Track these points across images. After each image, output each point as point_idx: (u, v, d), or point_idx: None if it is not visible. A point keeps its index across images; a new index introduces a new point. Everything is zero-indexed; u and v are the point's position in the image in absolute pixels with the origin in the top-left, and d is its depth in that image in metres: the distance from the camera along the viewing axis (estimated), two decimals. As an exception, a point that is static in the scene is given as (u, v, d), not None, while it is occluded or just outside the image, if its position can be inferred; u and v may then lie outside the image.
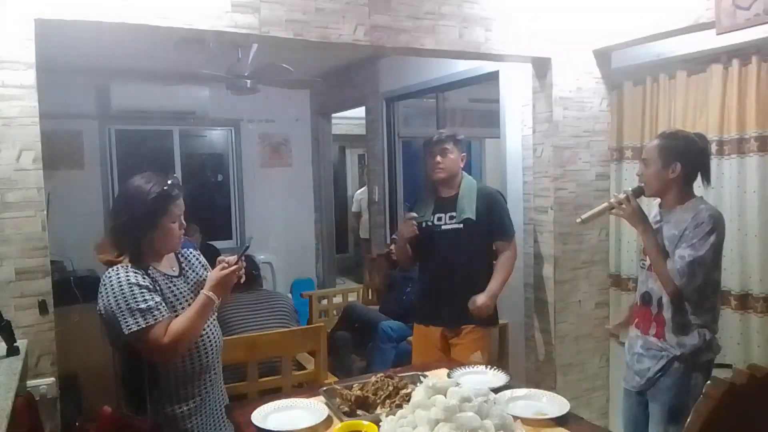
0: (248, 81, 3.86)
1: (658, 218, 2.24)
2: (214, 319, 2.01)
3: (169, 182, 1.88)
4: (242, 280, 1.95)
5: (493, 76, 3.66)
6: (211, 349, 1.96)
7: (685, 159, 2.13)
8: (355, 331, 3.95)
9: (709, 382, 1.32)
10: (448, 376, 2.14)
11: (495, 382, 2.11)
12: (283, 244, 6.07)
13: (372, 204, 5.32)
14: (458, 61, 3.92)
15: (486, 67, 3.67)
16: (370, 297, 4.94)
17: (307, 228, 6.38)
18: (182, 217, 1.93)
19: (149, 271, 1.85)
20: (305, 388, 2.66)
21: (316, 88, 6.15)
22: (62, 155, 5.26)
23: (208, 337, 1.95)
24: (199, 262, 2.09)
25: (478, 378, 2.16)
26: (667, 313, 2.15)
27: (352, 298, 5.00)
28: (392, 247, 4.19)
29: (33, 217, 1.99)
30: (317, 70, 5.76)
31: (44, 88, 4.97)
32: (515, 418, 1.68)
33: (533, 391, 2.02)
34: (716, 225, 2.06)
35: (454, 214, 2.81)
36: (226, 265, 1.89)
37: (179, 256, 2.02)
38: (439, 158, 2.81)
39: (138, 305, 1.76)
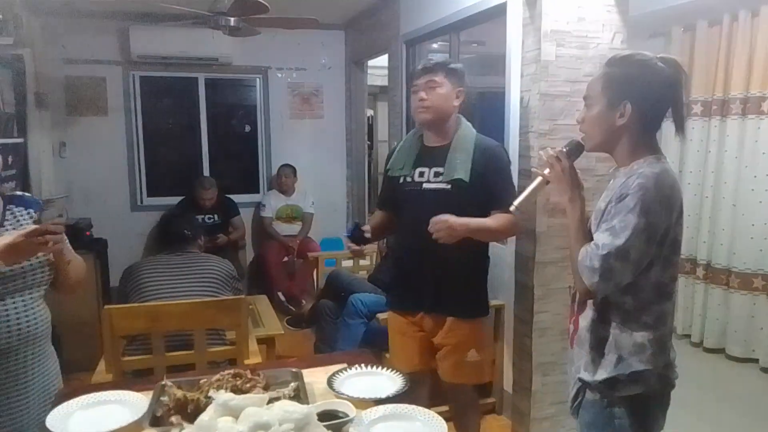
0: (231, 19, 3.47)
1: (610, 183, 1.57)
2: (30, 297, 1.65)
3: None
4: (51, 246, 1.55)
5: (500, 11, 3.02)
6: (12, 333, 1.59)
7: (641, 95, 1.43)
8: (341, 300, 3.58)
9: None
10: (330, 379, 1.71)
11: (385, 389, 1.67)
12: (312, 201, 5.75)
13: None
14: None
15: (492, -1, 3.04)
16: (382, 262, 4.55)
17: (338, 184, 6.02)
18: None
19: None
20: (223, 366, 2.36)
21: (351, 33, 5.70)
22: (86, 101, 5.23)
23: (8, 316, 1.59)
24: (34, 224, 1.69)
25: (367, 382, 1.72)
26: (584, 319, 1.53)
27: (365, 262, 4.64)
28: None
29: None
30: (349, 11, 5.29)
31: (68, 34, 4.94)
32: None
33: (411, 408, 1.54)
34: (646, 200, 1.36)
35: (441, 170, 2.17)
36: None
37: (6, 212, 1.68)
38: (423, 93, 2.16)
39: None
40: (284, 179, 5.48)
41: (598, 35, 2.37)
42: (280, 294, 5.17)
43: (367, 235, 2.24)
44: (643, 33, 3.93)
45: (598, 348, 1.49)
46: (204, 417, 1.27)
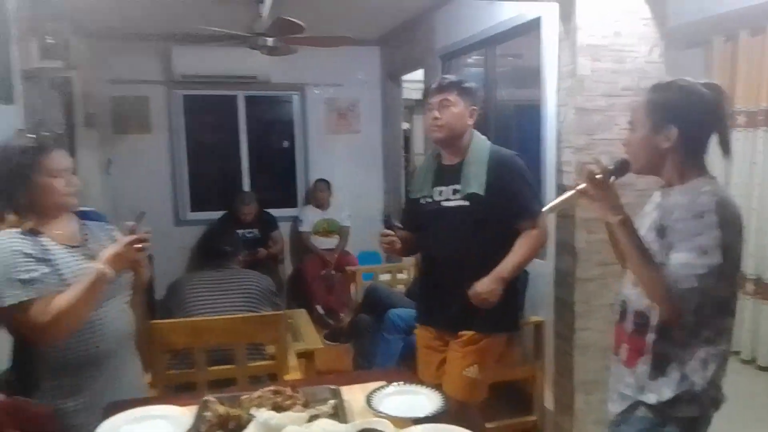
0: (268, 39, 3.56)
1: (658, 200, 1.58)
2: (122, 301, 1.81)
3: (46, 134, 1.76)
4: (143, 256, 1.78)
5: (535, 25, 3.02)
6: (111, 336, 1.74)
7: (686, 120, 1.46)
8: (379, 315, 3.59)
9: None
10: (368, 397, 1.73)
11: (423, 409, 1.67)
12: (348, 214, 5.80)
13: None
14: (504, 9, 3.33)
15: (527, 14, 3.04)
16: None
17: (375, 198, 6.06)
18: (68, 175, 1.72)
19: (40, 239, 1.66)
20: (263, 380, 2.39)
21: (386, 48, 5.75)
22: (131, 120, 5.41)
23: (108, 320, 1.73)
24: (109, 237, 1.85)
25: (405, 400, 1.73)
26: (648, 336, 1.50)
27: (402, 276, 4.65)
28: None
29: None
30: (385, 27, 5.35)
31: (114, 56, 5.13)
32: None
33: (450, 429, 1.54)
34: (726, 217, 1.38)
35: (457, 187, 2.19)
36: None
37: (83, 227, 1.81)
38: (436, 112, 2.18)
39: (19, 276, 1.57)
40: (319, 194, 5.54)
41: (635, 49, 2.34)
42: (318, 307, 5.22)
43: (399, 225, 2.31)
44: (682, 44, 3.86)
45: (660, 367, 1.49)
46: (246, 435, 1.30)
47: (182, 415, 1.63)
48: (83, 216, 1.85)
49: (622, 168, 1.56)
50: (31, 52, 3.56)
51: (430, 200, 2.27)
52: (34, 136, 1.77)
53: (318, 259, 5.39)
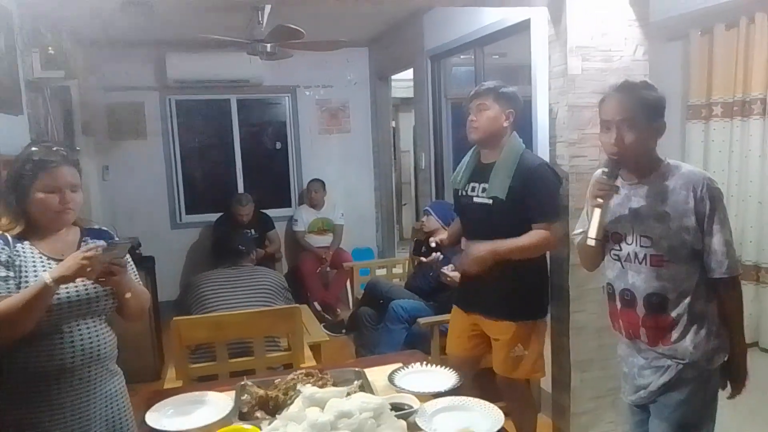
0: (267, 45, 3.69)
1: (626, 191, 1.78)
2: (95, 321, 1.70)
3: (55, 149, 1.69)
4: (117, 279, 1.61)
5: (524, 27, 3.19)
6: (78, 353, 1.64)
7: (661, 113, 1.71)
8: (380, 308, 3.74)
9: None
10: (390, 376, 1.89)
11: (441, 384, 1.83)
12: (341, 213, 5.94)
13: (419, 171, 5.01)
14: (493, 11, 3.50)
15: (517, 16, 3.21)
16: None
17: (366, 196, 6.21)
18: (68, 191, 1.65)
19: (19, 245, 1.64)
20: (279, 370, 2.53)
21: (375, 49, 5.90)
22: (126, 126, 5.49)
23: (75, 337, 1.65)
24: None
25: (423, 378, 1.89)
26: (674, 311, 1.71)
27: (397, 270, 4.80)
28: (423, 220, 3.90)
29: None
30: (374, 29, 5.48)
31: (108, 63, 5.19)
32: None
33: (469, 400, 1.70)
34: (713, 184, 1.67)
35: (486, 186, 2.40)
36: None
37: (82, 243, 1.73)
38: (473, 116, 2.41)
39: None
40: (314, 194, 5.66)
41: (621, 48, 2.51)
42: (316, 304, 5.35)
43: (432, 244, 2.59)
44: (662, 37, 4.05)
45: (693, 329, 1.69)
46: (293, 408, 1.44)
47: (219, 399, 1.77)
48: (93, 233, 1.79)
49: (615, 170, 1.74)
50: (34, 64, 3.65)
51: (464, 194, 2.50)
52: (41, 148, 1.68)
53: (313, 257, 5.51)
